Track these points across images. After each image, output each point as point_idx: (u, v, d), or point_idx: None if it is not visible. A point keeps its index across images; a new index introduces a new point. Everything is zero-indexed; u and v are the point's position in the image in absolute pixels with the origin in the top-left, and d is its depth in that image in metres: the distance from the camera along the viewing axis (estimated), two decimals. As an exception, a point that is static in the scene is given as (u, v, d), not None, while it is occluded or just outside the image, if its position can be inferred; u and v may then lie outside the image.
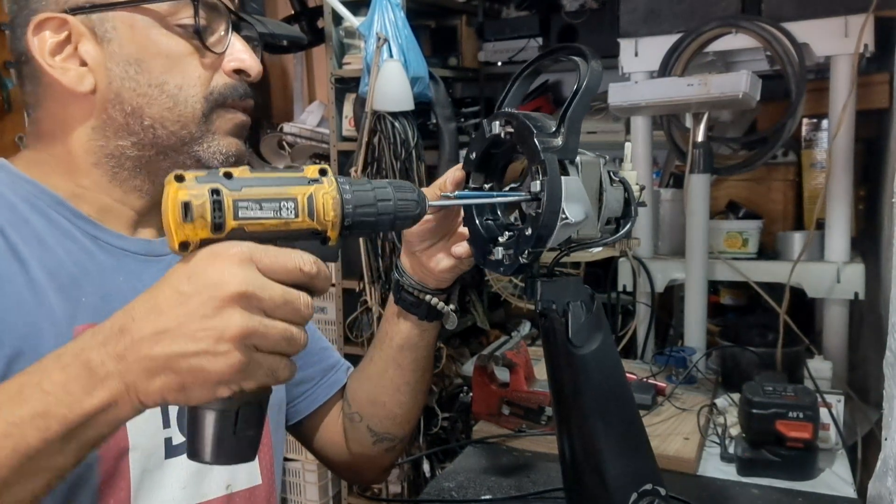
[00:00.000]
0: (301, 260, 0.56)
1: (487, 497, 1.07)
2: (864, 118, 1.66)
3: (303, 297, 0.57)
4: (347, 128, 2.35)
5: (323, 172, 0.58)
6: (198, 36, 0.77)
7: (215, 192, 0.54)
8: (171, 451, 0.78)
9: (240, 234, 0.55)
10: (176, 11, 0.76)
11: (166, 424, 0.78)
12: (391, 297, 0.92)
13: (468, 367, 2.22)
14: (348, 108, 2.34)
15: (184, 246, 0.54)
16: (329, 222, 0.58)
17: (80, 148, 0.77)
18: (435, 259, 0.86)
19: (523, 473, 1.13)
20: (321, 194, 0.57)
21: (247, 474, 0.84)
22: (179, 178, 0.54)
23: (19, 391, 0.55)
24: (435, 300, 0.88)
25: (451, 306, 0.89)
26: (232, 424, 0.56)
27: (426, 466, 2.30)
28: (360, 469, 1.02)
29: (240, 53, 0.80)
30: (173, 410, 0.78)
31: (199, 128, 0.78)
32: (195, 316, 0.53)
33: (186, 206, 0.53)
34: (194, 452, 0.57)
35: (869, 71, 1.68)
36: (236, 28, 0.81)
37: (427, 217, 0.79)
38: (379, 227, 0.61)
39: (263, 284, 0.54)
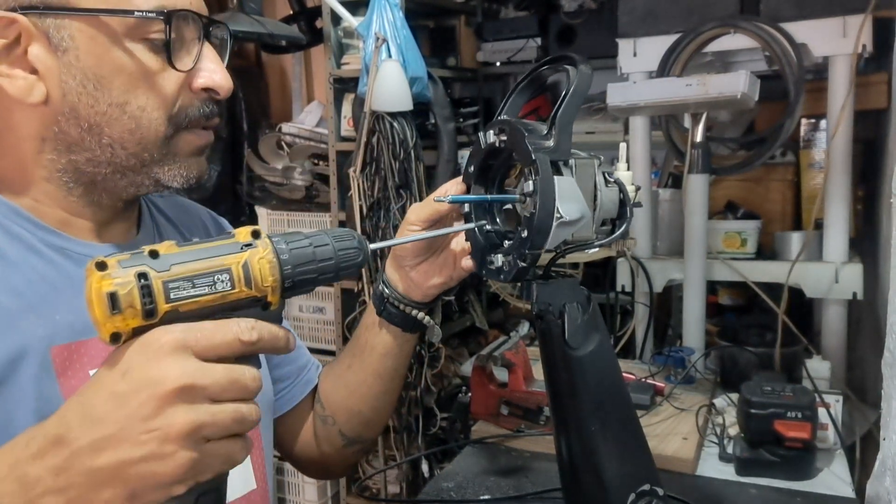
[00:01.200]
0: (238, 329, 0.53)
1: (486, 497, 1.07)
2: (862, 118, 1.66)
3: (248, 372, 0.53)
4: (346, 128, 2.34)
5: (256, 235, 0.55)
6: (167, 53, 0.70)
7: (142, 276, 0.50)
8: None
9: (174, 316, 0.52)
10: (144, 25, 0.69)
11: None
12: (370, 308, 0.92)
13: (467, 368, 2.22)
14: (347, 109, 2.33)
15: (115, 337, 0.51)
16: (268, 288, 0.54)
17: (29, 159, 0.72)
18: (425, 274, 0.86)
19: (522, 473, 1.13)
20: (256, 259, 0.54)
21: (241, 481, 0.82)
22: (101, 266, 0.50)
23: None
24: (421, 314, 0.88)
25: (437, 320, 0.89)
26: None
27: (425, 467, 2.30)
28: (327, 467, 1.02)
29: (210, 71, 0.73)
30: None
31: (160, 150, 0.72)
32: (135, 418, 0.50)
33: (113, 297, 0.49)
34: None
35: (867, 71, 1.68)
36: (206, 35, 0.74)
37: (421, 234, 0.81)
38: (321, 282, 0.58)
39: (203, 370, 0.51)
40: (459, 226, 0.80)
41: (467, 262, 0.83)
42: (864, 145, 1.87)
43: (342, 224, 2.36)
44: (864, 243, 1.81)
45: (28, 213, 0.72)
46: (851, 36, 1.56)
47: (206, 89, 0.74)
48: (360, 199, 2.18)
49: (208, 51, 0.74)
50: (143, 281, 0.50)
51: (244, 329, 0.53)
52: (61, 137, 0.71)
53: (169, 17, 0.69)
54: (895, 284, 0.85)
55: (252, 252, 0.54)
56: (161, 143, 0.72)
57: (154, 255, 0.51)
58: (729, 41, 1.65)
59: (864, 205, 1.90)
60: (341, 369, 0.97)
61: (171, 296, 0.51)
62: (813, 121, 1.86)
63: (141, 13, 0.68)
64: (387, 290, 0.88)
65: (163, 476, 0.50)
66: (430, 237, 0.82)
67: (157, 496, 0.52)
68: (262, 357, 0.89)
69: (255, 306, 0.55)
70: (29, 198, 0.73)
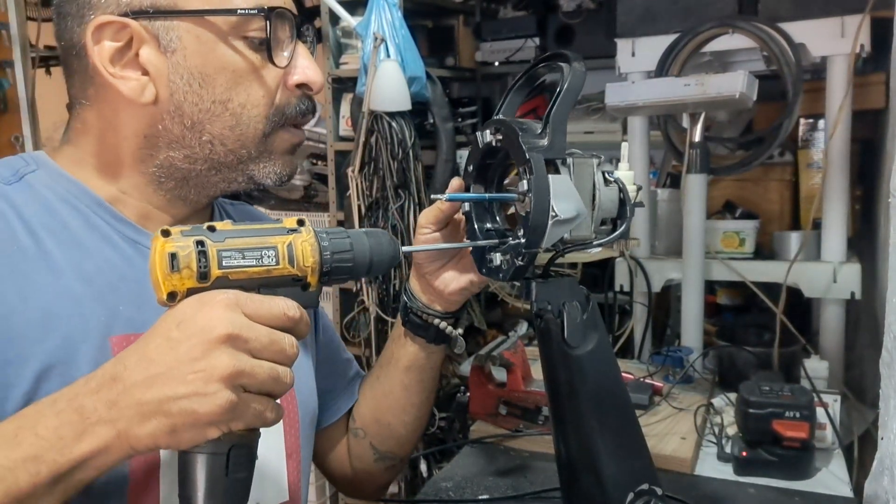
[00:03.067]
0: (285, 305, 0.59)
1: (485, 497, 1.07)
2: (860, 118, 1.66)
3: (288, 338, 0.59)
4: (344, 128, 2.34)
5: (301, 223, 0.61)
6: (267, 51, 0.73)
7: (200, 243, 0.57)
8: None
9: (224, 283, 0.58)
10: (244, 23, 0.72)
11: None
12: (398, 319, 0.93)
13: (465, 367, 2.22)
14: (345, 108, 2.33)
15: (172, 296, 0.57)
16: (309, 268, 0.60)
17: (129, 155, 0.74)
18: (444, 281, 0.87)
19: (520, 473, 1.13)
20: (300, 242, 0.60)
21: (275, 491, 0.82)
22: (166, 234, 0.57)
23: (15, 434, 0.57)
24: (443, 324, 0.89)
25: (459, 330, 0.90)
26: (223, 466, 0.57)
27: (423, 466, 2.30)
28: (360, 485, 1.02)
29: (305, 67, 0.76)
30: None
31: (258, 147, 0.75)
32: (185, 359, 0.55)
33: (173, 257, 0.56)
34: (186, 498, 0.58)
35: (865, 71, 1.68)
36: (299, 34, 0.76)
37: (434, 235, 0.83)
38: (356, 273, 0.63)
39: (250, 326, 0.56)
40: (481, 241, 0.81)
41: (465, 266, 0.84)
42: (862, 145, 1.87)
43: (340, 224, 2.36)
44: (863, 243, 1.81)
45: (109, 205, 0.74)
46: (849, 36, 1.56)
47: (301, 85, 0.76)
48: (358, 199, 2.17)
49: (301, 48, 0.76)
50: (200, 247, 0.57)
51: (291, 306, 0.59)
52: (164, 134, 0.73)
53: (269, 13, 0.71)
54: (893, 284, 0.85)
55: (296, 236, 0.60)
56: (259, 140, 0.75)
57: (212, 229, 0.58)
58: (727, 41, 1.65)
59: (862, 205, 1.90)
60: (371, 381, 0.98)
61: (224, 263, 0.57)
62: (811, 121, 1.86)
63: (243, 11, 0.71)
64: (410, 301, 0.89)
65: (202, 414, 0.55)
66: (458, 247, 0.84)
67: (194, 435, 0.56)
68: (311, 368, 0.90)
69: (296, 286, 0.61)
70: (116, 188, 0.75)
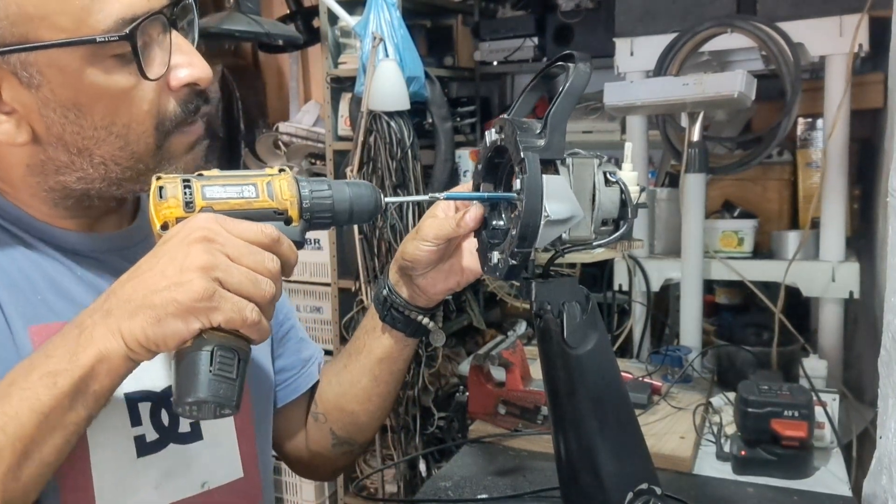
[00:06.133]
0: (263, 225, 0.63)
1: (484, 496, 1.07)
2: (858, 118, 1.67)
3: (267, 254, 0.63)
4: (343, 127, 2.34)
5: (281, 170, 0.67)
6: (139, 70, 0.67)
7: (185, 180, 0.64)
8: (143, 449, 0.75)
9: (209, 212, 0.63)
10: (108, 43, 0.66)
11: (136, 423, 0.75)
12: (371, 311, 0.92)
13: (464, 367, 2.22)
14: (344, 108, 2.33)
15: (164, 227, 0.63)
16: (287, 201, 0.66)
17: (17, 179, 0.73)
18: (432, 281, 0.86)
19: (519, 473, 1.14)
20: (278, 180, 0.66)
21: (226, 469, 0.82)
22: (158, 177, 0.65)
23: (30, 363, 0.61)
24: (426, 320, 0.89)
25: (439, 324, 0.90)
26: (208, 363, 0.60)
27: (422, 466, 2.30)
28: (314, 468, 1.02)
29: (185, 65, 0.71)
30: (144, 408, 0.75)
31: (154, 159, 0.72)
32: (165, 259, 0.60)
33: (161, 189, 0.64)
34: (176, 399, 0.61)
35: (863, 71, 1.68)
36: (173, 23, 0.70)
37: (432, 248, 0.82)
38: (337, 217, 0.68)
39: (227, 236, 0.61)
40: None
41: (469, 262, 0.84)
42: (861, 144, 1.87)
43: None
44: (861, 242, 1.81)
45: (17, 208, 0.74)
46: (848, 35, 1.56)
47: (186, 84, 0.72)
48: (357, 199, 2.17)
49: (178, 40, 0.71)
50: (185, 182, 0.64)
51: (268, 226, 0.64)
52: (49, 163, 0.71)
53: (132, 34, 0.66)
54: (891, 283, 0.85)
55: (276, 176, 0.67)
56: (154, 153, 0.72)
57: (199, 175, 0.66)
58: (726, 40, 1.65)
59: (861, 204, 1.91)
60: (337, 368, 0.97)
61: (207, 194, 0.64)
62: (809, 120, 1.86)
63: (103, 38, 0.65)
64: (391, 296, 0.89)
65: (181, 302, 0.59)
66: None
67: (178, 326, 0.59)
68: (267, 347, 0.89)
69: (279, 219, 0.66)
70: (18, 200, 0.74)
